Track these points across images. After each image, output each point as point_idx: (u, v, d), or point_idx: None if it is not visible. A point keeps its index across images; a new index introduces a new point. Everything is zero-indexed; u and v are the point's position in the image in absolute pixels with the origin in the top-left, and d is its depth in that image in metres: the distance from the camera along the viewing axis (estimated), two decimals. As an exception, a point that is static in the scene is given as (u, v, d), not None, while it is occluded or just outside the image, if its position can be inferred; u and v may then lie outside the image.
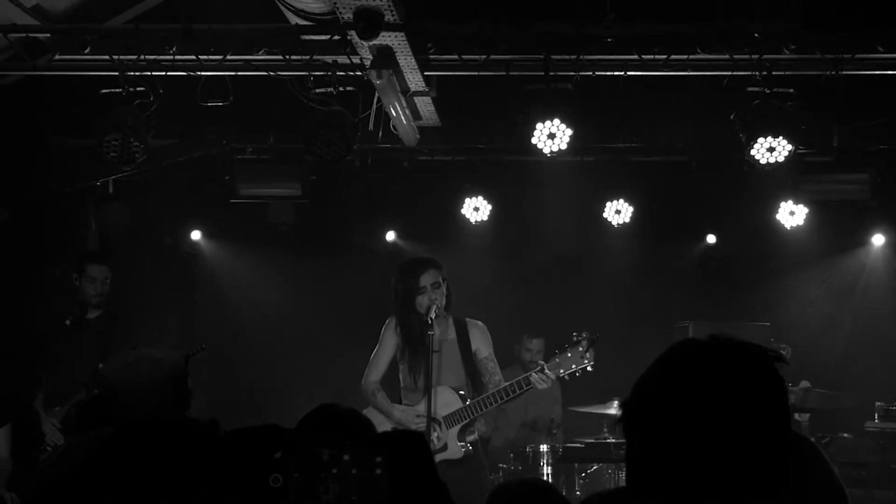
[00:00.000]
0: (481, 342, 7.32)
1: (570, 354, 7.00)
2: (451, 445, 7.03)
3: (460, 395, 7.11)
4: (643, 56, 7.03)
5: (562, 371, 6.99)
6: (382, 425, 6.87)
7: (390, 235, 10.79)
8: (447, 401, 7.06)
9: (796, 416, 8.46)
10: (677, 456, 1.83)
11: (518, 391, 6.99)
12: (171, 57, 7.19)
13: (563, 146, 7.25)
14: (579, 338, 7.04)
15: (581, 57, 7.09)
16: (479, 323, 7.42)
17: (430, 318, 6.95)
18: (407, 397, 7.30)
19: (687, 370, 1.90)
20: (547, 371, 6.96)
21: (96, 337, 7.89)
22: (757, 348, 1.91)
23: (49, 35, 7.32)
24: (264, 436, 1.78)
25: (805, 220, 9.31)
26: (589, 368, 7.02)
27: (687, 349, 1.97)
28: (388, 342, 7.37)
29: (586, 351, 6.97)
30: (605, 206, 9.71)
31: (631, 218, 9.69)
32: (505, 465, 8.24)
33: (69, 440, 7.62)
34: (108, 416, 3.49)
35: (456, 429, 7.06)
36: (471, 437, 7.21)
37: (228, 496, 1.78)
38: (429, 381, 6.91)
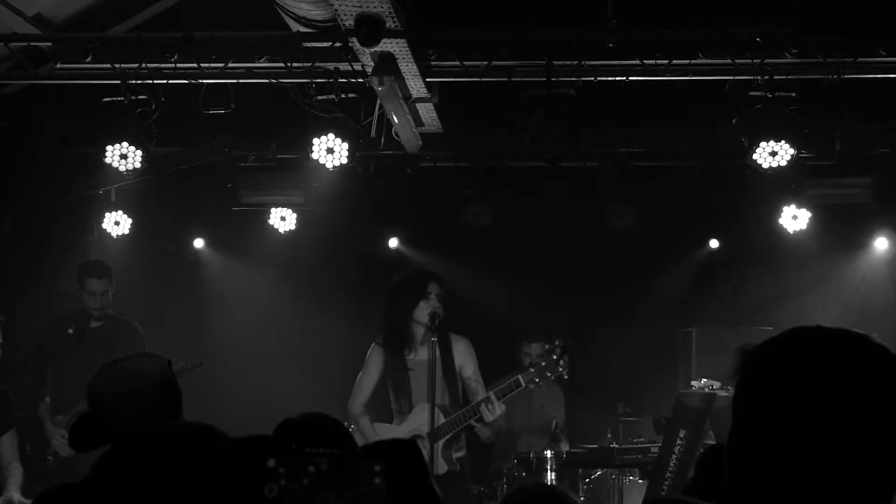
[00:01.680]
0: (465, 359, 7.33)
1: (544, 363, 7.08)
2: (436, 461, 7.03)
3: (444, 411, 7.12)
4: (645, 61, 7.03)
5: (537, 379, 7.06)
6: None
7: (393, 242, 10.78)
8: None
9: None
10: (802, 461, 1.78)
11: (503, 397, 7.03)
12: (173, 65, 7.20)
13: (565, 151, 7.25)
14: (552, 346, 7.11)
15: (582, 62, 7.09)
16: (464, 338, 7.42)
17: (433, 326, 6.97)
18: (396, 417, 7.36)
19: (820, 373, 1.82)
20: (521, 380, 7.04)
21: (99, 346, 7.89)
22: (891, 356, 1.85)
23: (50, 44, 7.33)
24: (257, 444, 1.75)
25: (808, 224, 9.28)
26: (565, 376, 7.13)
27: (817, 348, 1.87)
28: (374, 367, 7.40)
29: (559, 358, 7.04)
30: (607, 212, 9.70)
31: (633, 223, 9.67)
32: (508, 471, 8.22)
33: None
34: (102, 431, 3.49)
35: (440, 444, 7.04)
36: (458, 454, 7.22)
37: None
38: (432, 388, 6.91)
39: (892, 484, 1.80)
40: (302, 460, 1.61)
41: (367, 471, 1.62)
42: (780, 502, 1.80)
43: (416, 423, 7.10)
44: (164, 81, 7.35)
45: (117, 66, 7.24)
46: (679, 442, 7.17)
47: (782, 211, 9.33)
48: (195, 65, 7.21)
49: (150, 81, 7.34)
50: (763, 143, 7.26)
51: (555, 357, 7.06)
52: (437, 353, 7.16)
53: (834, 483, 1.77)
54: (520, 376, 7.12)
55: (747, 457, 1.86)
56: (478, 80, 7.28)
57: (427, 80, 7.37)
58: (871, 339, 1.88)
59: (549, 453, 8.15)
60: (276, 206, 9.53)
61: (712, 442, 7.47)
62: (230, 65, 7.22)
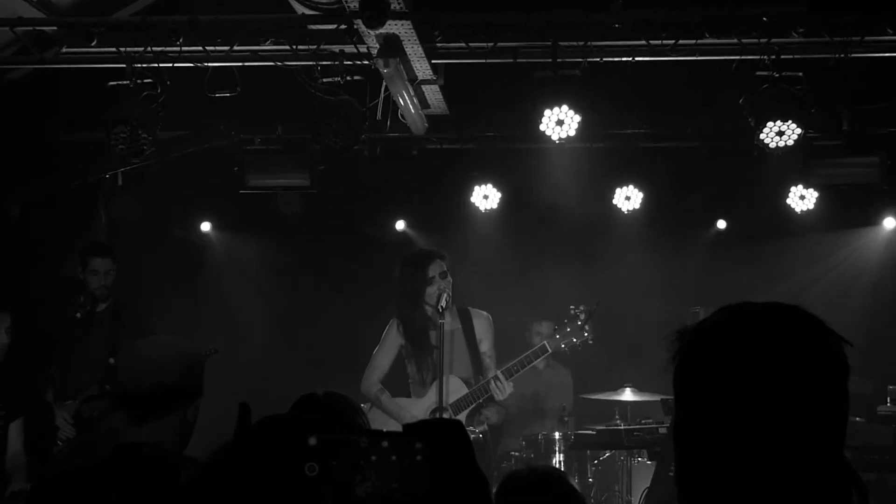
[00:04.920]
0: (484, 333, 7.36)
1: (569, 329, 7.16)
2: None
3: (466, 383, 7.16)
4: (651, 41, 7.00)
5: (563, 345, 7.13)
6: (386, 424, 6.95)
7: (400, 224, 10.79)
8: (454, 388, 7.10)
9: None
10: (726, 445, 1.75)
11: (520, 370, 7.13)
12: (178, 48, 7.18)
13: (572, 133, 7.24)
14: (577, 311, 7.15)
15: (588, 43, 7.07)
16: (484, 313, 7.44)
17: (441, 307, 6.96)
18: (416, 391, 7.37)
19: (743, 349, 1.80)
20: (547, 346, 7.17)
21: (106, 330, 7.90)
22: (824, 329, 1.83)
23: (56, 28, 7.32)
24: (297, 422, 1.73)
25: (815, 204, 9.28)
26: (590, 341, 7.15)
27: (745, 327, 1.85)
28: (391, 343, 7.40)
29: (584, 323, 7.10)
30: (614, 193, 9.68)
31: (641, 204, 9.66)
32: (517, 453, 8.23)
33: (82, 436, 7.66)
34: (124, 401, 3.52)
35: (464, 415, 7.11)
36: (480, 427, 7.25)
37: (261, 484, 1.74)
38: (441, 370, 6.93)
39: (829, 460, 1.75)
40: (342, 439, 1.60)
41: (408, 449, 1.61)
42: (722, 481, 1.77)
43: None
44: (170, 65, 7.33)
45: (123, 50, 7.23)
46: (687, 422, 7.17)
47: (789, 191, 9.33)
48: (200, 48, 7.20)
49: (156, 65, 7.33)
50: (770, 123, 7.24)
51: (580, 322, 7.09)
52: (459, 325, 7.25)
53: (767, 459, 1.73)
54: (546, 342, 7.19)
55: (688, 438, 1.83)
56: (483, 61, 7.25)
57: (432, 61, 7.35)
58: (799, 310, 1.87)
59: (557, 435, 8.17)
60: (283, 190, 9.53)
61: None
62: (235, 48, 7.20)
